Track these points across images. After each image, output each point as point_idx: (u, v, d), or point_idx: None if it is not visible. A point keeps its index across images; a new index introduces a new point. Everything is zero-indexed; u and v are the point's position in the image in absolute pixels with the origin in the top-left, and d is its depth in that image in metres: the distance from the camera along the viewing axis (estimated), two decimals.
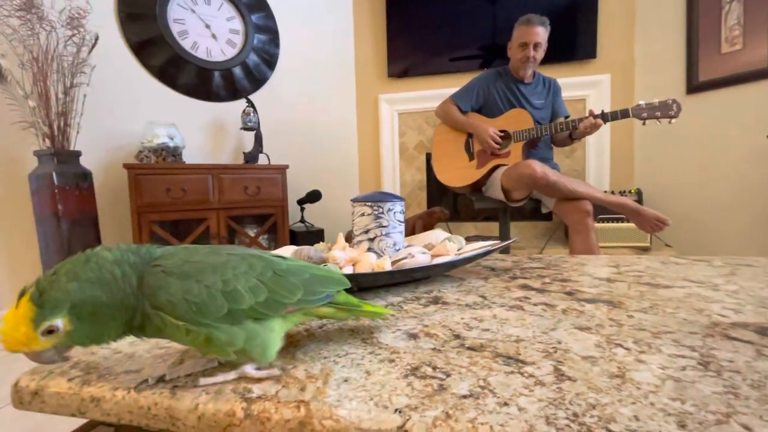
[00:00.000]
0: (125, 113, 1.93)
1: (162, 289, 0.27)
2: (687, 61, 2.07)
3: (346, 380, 0.30)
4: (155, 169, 1.73)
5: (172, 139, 1.85)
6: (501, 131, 1.65)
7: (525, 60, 1.61)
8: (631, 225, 1.89)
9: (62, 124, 1.63)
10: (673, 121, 1.40)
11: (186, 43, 2.06)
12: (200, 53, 2.10)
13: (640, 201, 2.01)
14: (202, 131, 2.17)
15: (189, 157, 2.03)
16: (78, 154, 1.66)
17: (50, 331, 0.25)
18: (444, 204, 2.57)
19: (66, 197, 1.57)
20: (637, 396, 0.27)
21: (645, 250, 1.95)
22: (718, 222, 2.01)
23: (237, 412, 0.27)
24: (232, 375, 0.31)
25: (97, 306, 0.26)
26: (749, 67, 1.83)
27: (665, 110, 1.40)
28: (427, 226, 2.08)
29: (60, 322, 0.25)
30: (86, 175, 1.67)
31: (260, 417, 0.27)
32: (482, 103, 1.75)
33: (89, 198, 1.67)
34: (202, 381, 0.30)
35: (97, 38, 1.72)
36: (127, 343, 0.39)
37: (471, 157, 1.74)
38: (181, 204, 1.76)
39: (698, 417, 0.24)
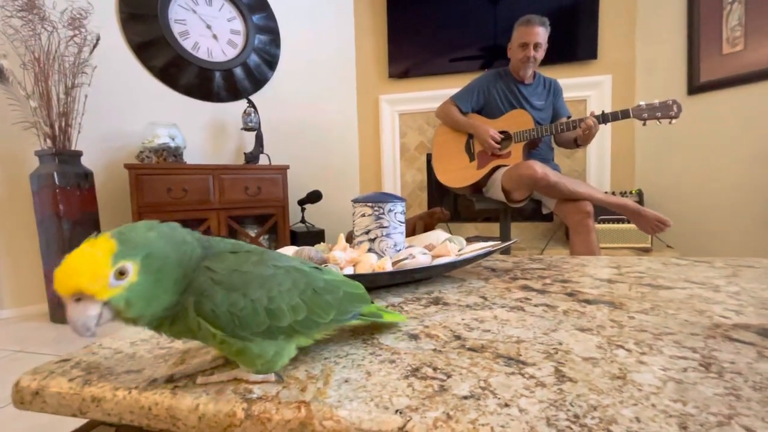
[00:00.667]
0: (126, 113, 1.94)
1: (208, 297, 0.27)
2: (688, 61, 2.06)
3: (346, 381, 0.30)
4: (156, 169, 1.73)
5: (173, 139, 1.86)
6: (502, 132, 1.65)
7: (525, 60, 1.61)
8: (632, 226, 1.89)
9: (63, 124, 1.63)
10: (674, 121, 1.40)
11: (187, 44, 2.07)
12: (201, 54, 2.11)
13: (641, 202, 2.01)
14: (203, 131, 2.17)
15: (190, 158, 2.03)
16: (79, 154, 1.67)
17: (121, 273, 0.24)
18: (444, 205, 2.57)
19: (67, 197, 1.58)
20: (639, 397, 0.27)
21: (646, 251, 1.95)
22: (719, 223, 2.01)
23: (237, 412, 0.27)
24: (229, 376, 0.31)
25: (165, 264, 0.26)
26: (751, 67, 1.83)
27: (666, 111, 1.40)
28: (428, 227, 2.08)
29: (131, 266, 0.24)
30: (87, 175, 1.67)
31: (261, 417, 0.27)
32: (483, 104, 1.75)
33: (90, 198, 1.67)
34: (200, 379, 0.30)
35: (98, 39, 1.72)
36: (128, 344, 0.39)
37: (472, 158, 1.74)
38: (182, 204, 1.77)
39: (699, 419, 0.24)
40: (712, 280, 0.59)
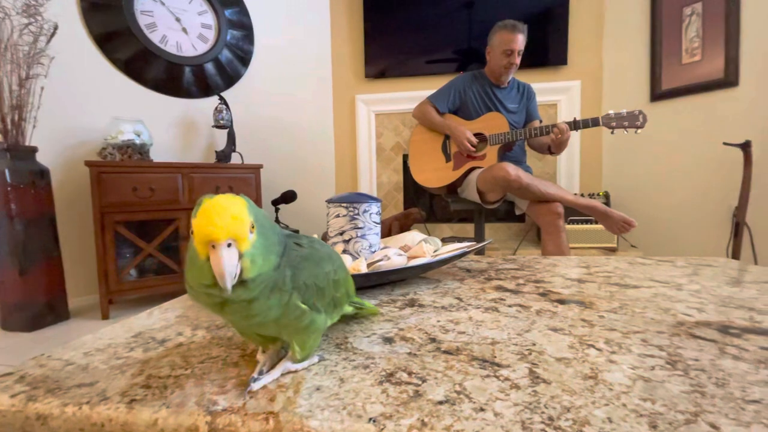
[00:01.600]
0: (87, 108, 1.84)
1: (302, 270, 0.29)
2: (651, 70, 2.17)
3: (318, 389, 0.29)
4: (120, 167, 1.65)
5: (138, 135, 1.77)
6: (477, 134, 1.67)
7: (509, 66, 1.63)
8: (600, 226, 1.97)
9: (17, 117, 1.53)
10: (639, 131, 1.47)
11: (154, 37, 1.98)
12: (170, 47, 2.03)
13: (607, 203, 2.09)
14: (171, 128, 2.09)
15: (157, 155, 1.95)
16: (34, 150, 1.56)
17: (252, 227, 0.25)
18: (420, 205, 2.58)
19: (20, 196, 1.48)
20: (610, 397, 0.27)
21: (612, 250, 2.02)
22: (679, 223, 2.12)
23: (200, 426, 0.25)
24: (278, 372, 0.31)
25: (266, 227, 0.27)
26: (707, 77, 1.94)
27: (632, 121, 1.46)
28: (404, 228, 2.08)
29: (253, 223, 0.25)
30: (43, 173, 1.57)
31: (225, 431, 0.25)
32: (459, 105, 1.76)
33: (46, 197, 1.57)
34: (254, 386, 0.29)
35: (56, 28, 1.62)
36: (81, 354, 0.36)
37: (448, 159, 1.75)
38: (148, 204, 1.69)
39: (668, 417, 0.24)
40: (675, 279, 0.61)
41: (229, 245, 0.23)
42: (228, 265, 0.23)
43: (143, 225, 1.75)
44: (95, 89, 1.86)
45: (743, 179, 1.71)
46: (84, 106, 1.83)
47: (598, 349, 0.35)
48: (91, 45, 1.85)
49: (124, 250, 1.74)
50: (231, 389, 0.29)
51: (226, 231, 0.23)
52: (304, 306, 0.29)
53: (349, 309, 0.40)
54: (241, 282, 0.25)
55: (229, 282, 0.23)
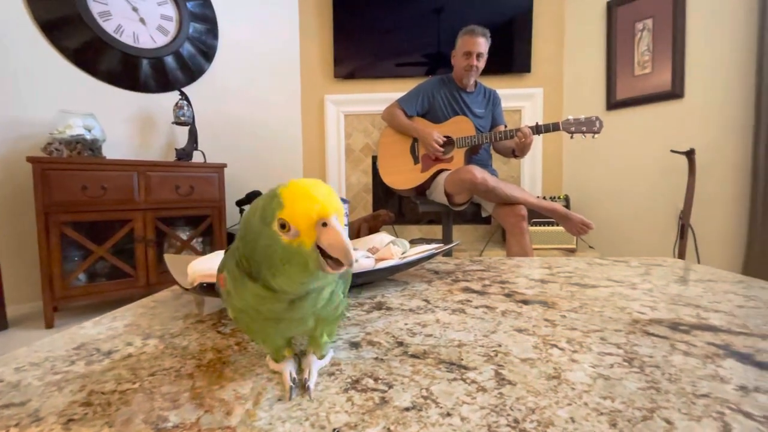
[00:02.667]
0: (30, 99, 1.70)
1: None
2: (607, 80, 2.29)
3: (279, 399, 0.27)
4: (68, 163, 1.53)
5: (89, 130, 1.66)
6: (445, 137, 1.69)
7: (469, 68, 1.68)
8: (560, 228, 2.05)
9: None
10: (596, 136, 1.54)
11: (108, 26, 1.86)
12: (126, 38, 1.91)
13: (567, 206, 2.18)
14: (127, 124, 1.97)
15: (111, 152, 1.83)
16: None
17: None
18: (389, 207, 2.59)
19: None
20: (572, 397, 0.27)
21: (572, 251, 2.12)
22: (631, 225, 2.25)
23: None
24: (315, 373, 0.30)
25: None
26: (657, 89, 2.08)
27: (590, 126, 1.53)
28: (373, 229, 2.08)
29: None
30: None
31: None
32: (427, 109, 1.78)
33: None
34: (312, 384, 0.29)
35: None
36: (12, 370, 0.33)
37: (416, 161, 1.77)
38: (99, 203, 1.58)
39: (627, 414, 0.25)
40: (629, 278, 0.64)
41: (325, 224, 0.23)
42: (345, 238, 0.22)
43: (94, 226, 1.64)
44: (40, 79, 1.72)
45: (688, 184, 1.84)
46: (26, 98, 1.69)
47: (561, 349, 0.36)
48: (35, 31, 1.71)
49: (71, 253, 1.61)
50: (184, 403, 0.27)
51: (335, 206, 0.22)
52: (341, 294, 0.30)
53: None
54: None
55: (353, 255, 0.22)
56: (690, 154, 1.83)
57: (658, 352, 0.35)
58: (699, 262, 1.90)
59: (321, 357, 0.32)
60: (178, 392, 0.28)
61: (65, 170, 1.51)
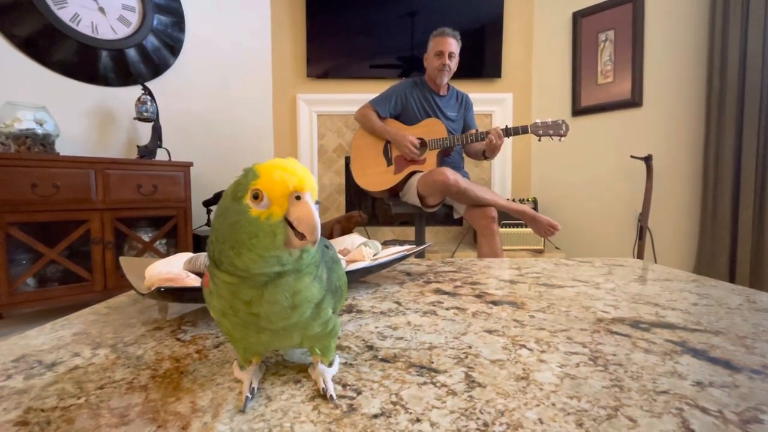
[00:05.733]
0: None
1: (332, 272, 0.28)
2: (572, 88, 2.38)
3: (242, 410, 0.26)
4: (16, 159, 1.42)
5: (40, 124, 1.55)
6: (418, 139, 1.70)
7: (441, 68, 1.70)
8: (529, 230, 2.11)
9: None
10: (563, 139, 1.60)
11: (64, 14, 1.75)
12: (83, 28, 1.80)
13: (536, 208, 2.25)
14: (84, 118, 1.85)
15: (66, 148, 1.72)
16: None
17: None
18: (362, 208, 2.57)
19: None
20: (541, 397, 0.27)
21: (539, 252, 2.18)
22: (594, 227, 2.35)
23: None
24: (330, 381, 0.29)
25: None
26: (618, 97, 2.18)
27: (557, 129, 1.58)
28: (346, 230, 2.06)
29: None
30: None
31: None
32: (400, 111, 1.79)
33: None
34: (333, 392, 0.28)
35: None
36: None
37: (389, 163, 1.76)
38: (52, 203, 1.48)
39: (592, 413, 0.25)
40: (593, 278, 0.66)
41: (299, 197, 0.22)
42: (315, 214, 0.22)
43: (45, 226, 1.53)
44: None
45: (646, 188, 1.94)
46: None
47: (529, 349, 0.36)
48: None
49: (19, 256, 1.50)
50: (135, 419, 0.25)
51: (310, 181, 0.22)
52: (330, 309, 0.28)
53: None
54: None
55: (317, 233, 0.22)
56: (648, 160, 1.93)
57: (620, 350, 0.36)
58: (656, 261, 2.01)
59: (329, 364, 0.31)
60: (129, 407, 0.26)
61: (11, 166, 1.40)
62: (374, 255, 0.64)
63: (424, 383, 0.29)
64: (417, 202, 1.64)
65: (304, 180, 0.22)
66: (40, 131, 1.53)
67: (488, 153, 1.66)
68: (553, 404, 0.26)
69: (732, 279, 1.81)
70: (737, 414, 0.25)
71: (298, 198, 0.22)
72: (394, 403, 0.27)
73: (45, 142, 1.56)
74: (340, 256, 0.60)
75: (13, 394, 0.28)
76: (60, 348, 0.37)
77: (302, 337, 0.27)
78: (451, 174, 1.48)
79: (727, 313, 0.47)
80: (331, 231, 2.02)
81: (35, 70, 1.71)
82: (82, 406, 0.26)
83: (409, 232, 2.56)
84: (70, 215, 1.53)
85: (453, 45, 1.69)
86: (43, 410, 0.26)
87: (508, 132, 1.59)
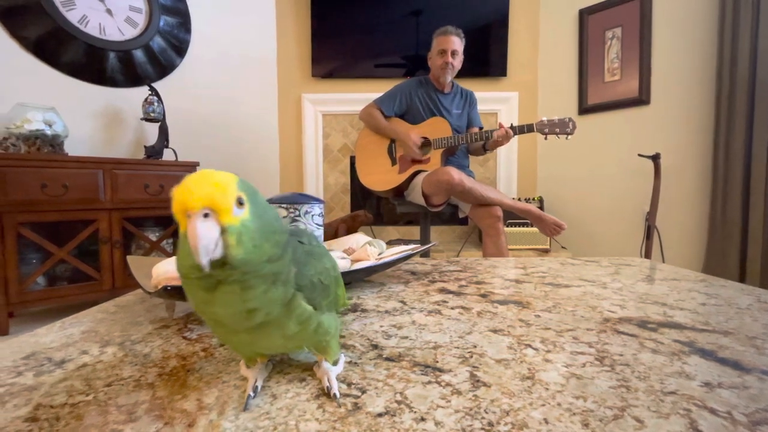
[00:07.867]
0: None
1: (306, 267, 0.27)
2: (579, 86, 2.36)
3: (244, 409, 0.26)
4: (26, 160, 1.44)
5: (50, 125, 1.57)
6: (422, 138, 1.70)
7: (444, 66, 1.69)
8: (534, 229, 2.10)
9: None
10: (570, 137, 1.58)
11: (72, 16, 1.77)
12: (91, 29, 1.82)
13: (541, 207, 2.23)
14: (92, 119, 1.87)
15: (74, 149, 1.74)
16: None
17: (240, 204, 0.22)
18: (368, 208, 2.58)
19: None
20: (546, 397, 0.27)
21: (545, 251, 2.17)
22: (601, 226, 2.33)
23: None
24: (334, 381, 0.29)
25: (267, 213, 0.24)
26: (625, 95, 2.16)
27: (563, 127, 1.57)
28: (351, 230, 2.06)
29: (245, 200, 0.22)
30: None
31: None
32: (405, 110, 1.79)
33: None
34: (337, 391, 0.28)
35: None
36: None
37: (393, 162, 1.76)
38: (61, 203, 1.50)
39: (599, 414, 0.25)
40: (600, 278, 0.66)
41: (206, 215, 0.21)
42: (202, 236, 0.20)
43: (55, 226, 1.55)
44: None
45: (654, 187, 1.92)
46: None
47: (535, 349, 0.36)
48: None
49: (29, 256, 1.52)
50: (142, 416, 0.25)
51: (203, 198, 0.21)
52: (308, 307, 0.27)
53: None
54: (223, 263, 0.22)
55: (204, 255, 0.20)
56: (656, 158, 1.91)
57: (627, 350, 0.35)
58: (664, 261, 1.99)
59: (334, 363, 0.31)
60: (136, 404, 0.27)
61: (22, 167, 1.42)
62: (379, 254, 0.65)
63: (429, 382, 0.29)
64: (422, 201, 1.64)
65: (192, 199, 0.21)
66: (49, 132, 1.55)
67: (488, 145, 1.66)
68: (559, 404, 0.26)
69: (742, 279, 1.79)
70: (746, 415, 0.25)
71: (189, 216, 0.21)
72: (398, 402, 0.27)
73: (54, 142, 1.58)
74: (344, 255, 0.60)
75: (24, 390, 0.29)
76: (69, 346, 0.37)
77: (284, 337, 0.27)
78: (455, 173, 1.47)
79: (736, 313, 0.46)
80: (336, 230, 2.02)
81: (44, 72, 1.73)
82: (91, 403, 0.27)
83: (414, 231, 2.56)
84: (79, 215, 1.55)
85: (456, 43, 1.68)
86: (52, 407, 0.26)
87: (513, 130, 1.58)
